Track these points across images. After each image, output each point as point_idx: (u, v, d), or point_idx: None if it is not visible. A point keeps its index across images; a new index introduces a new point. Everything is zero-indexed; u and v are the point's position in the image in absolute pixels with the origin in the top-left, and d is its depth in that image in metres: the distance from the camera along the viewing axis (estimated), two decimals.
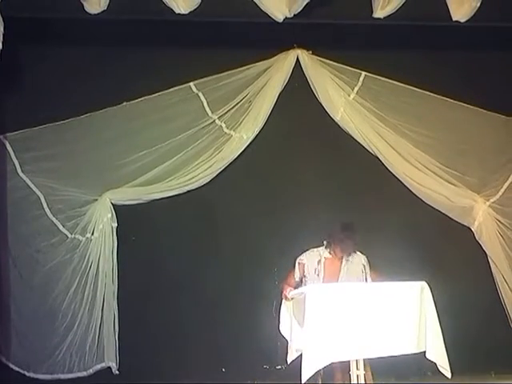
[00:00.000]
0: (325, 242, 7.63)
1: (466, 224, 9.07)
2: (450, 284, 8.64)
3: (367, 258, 7.73)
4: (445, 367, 7.01)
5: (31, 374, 8.27)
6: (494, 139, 9.13)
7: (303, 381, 6.69)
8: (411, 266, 8.21)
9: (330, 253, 7.58)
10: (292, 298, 7.43)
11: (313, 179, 9.04)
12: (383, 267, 7.82)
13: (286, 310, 7.60)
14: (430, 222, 9.09)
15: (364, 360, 6.97)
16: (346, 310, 6.86)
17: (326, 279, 7.55)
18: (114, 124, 8.66)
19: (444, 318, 7.17)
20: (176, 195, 8.67)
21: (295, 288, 7.57)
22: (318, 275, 7.55)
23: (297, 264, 7.69)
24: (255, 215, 8.93)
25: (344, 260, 7.60)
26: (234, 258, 8.88)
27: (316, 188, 8.99)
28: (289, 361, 7.35)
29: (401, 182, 8.97)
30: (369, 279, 7.67)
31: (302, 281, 7.71)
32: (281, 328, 7.61)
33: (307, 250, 7.64)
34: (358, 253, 7.70)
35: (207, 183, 8.75)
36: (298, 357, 7.11)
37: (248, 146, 8.86)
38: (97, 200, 8.55)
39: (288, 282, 7.69)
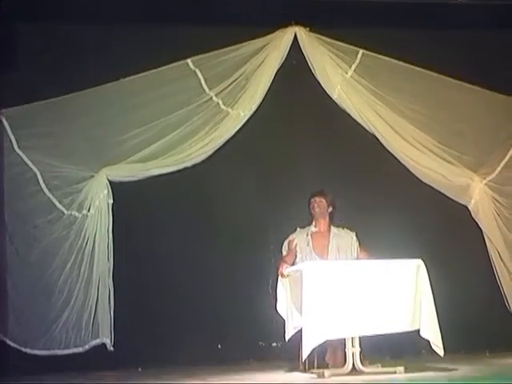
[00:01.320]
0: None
1: (462, 203, 9.04)
2: (445, 263, 8.65)
3: (356, 234, 7.98)
4: (438, 345, 7.07)
5: (28, 350, 8.23)
6: (492, 118, 9.09)
7: (304, 357, 6.86)
8: (407, 244, 8.23)
9: (315, 226, 7.96)
10: (288, 275, 7.48)
11: (309, 157, 9.00)
12: (379, 246, 7.91)
13: (282, 287, 7.66)
14: (426, 201, 9.08)
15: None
16: (343, 287, 6.98)
17: (317, 251, 7.87)
18: (110, 101, 8.61)
19: (439, 296, 7.23)
20: (173, 172, 8.63)
21: (291, 265, 7.67)
22: (308, 245, 7.89)
23: (286, 242, 8.02)
24: (252, 193, 8.89)
25: (332, 233, 7.95)
26: (230, 235, 8.87)
27: (313, 166, 8.94)
28: (287, 338, 7.41)
29: (398, 161, 8.93)
30: (358, 255, 7.90)
31: (295, 257, 7.91)
32: (277, 306, 7.66)
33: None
34: (347, 229, 8.03)
35: (204, 160, 8.70)
36: (295, 333, 7.22)
37: (245, 124, 8.80)
38: (93, 176, 8.51)
39: (284, 260, 7.76)
